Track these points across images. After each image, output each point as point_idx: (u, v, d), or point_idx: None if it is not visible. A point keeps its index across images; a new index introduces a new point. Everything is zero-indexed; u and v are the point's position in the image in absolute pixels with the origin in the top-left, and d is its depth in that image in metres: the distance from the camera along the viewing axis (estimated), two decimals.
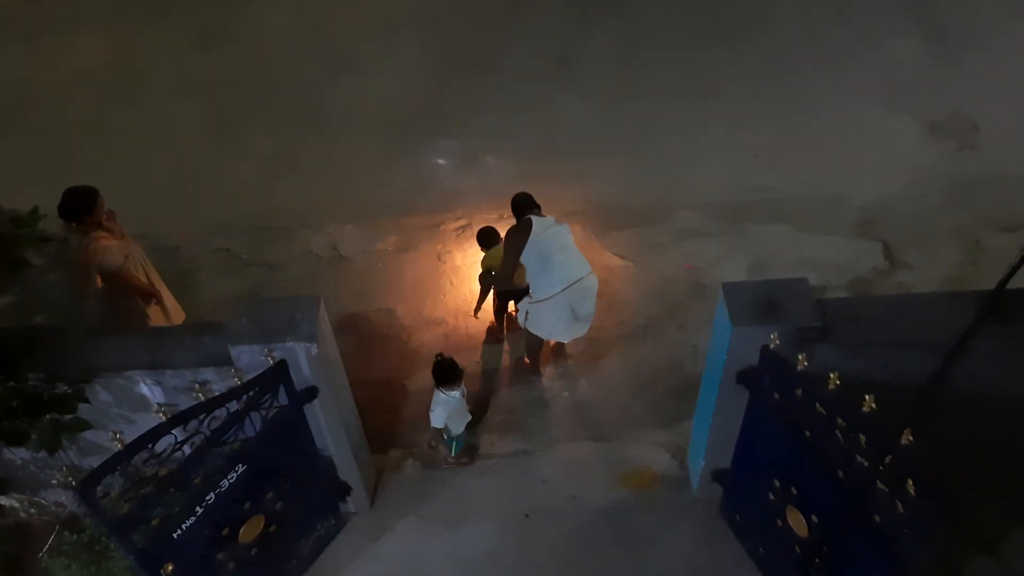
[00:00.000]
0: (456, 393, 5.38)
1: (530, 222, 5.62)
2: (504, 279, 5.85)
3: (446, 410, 5.41)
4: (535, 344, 6.19)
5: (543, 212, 5.88)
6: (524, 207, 5.83)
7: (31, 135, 8.57)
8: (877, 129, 7.90)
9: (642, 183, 7.70)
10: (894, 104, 8.09)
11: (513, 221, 5.88)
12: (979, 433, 4.15)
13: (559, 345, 6.47)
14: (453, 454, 5.73)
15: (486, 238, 6.31)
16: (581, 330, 5.90)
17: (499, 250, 5.98)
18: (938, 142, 7.81)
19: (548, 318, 5.75)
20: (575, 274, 5.61)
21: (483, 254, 6.34)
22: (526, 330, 6.00)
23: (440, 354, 5.45)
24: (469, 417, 5.70)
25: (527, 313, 5.88)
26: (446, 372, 5.31)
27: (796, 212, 7.31)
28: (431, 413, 5.44)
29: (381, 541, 5.46)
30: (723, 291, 4.43)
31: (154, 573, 4.03)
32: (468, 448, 5.86)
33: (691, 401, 5.54)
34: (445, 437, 5.58)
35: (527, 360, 6.39)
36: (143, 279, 5.83)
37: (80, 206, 5.45)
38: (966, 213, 7.16)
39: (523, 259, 5.64)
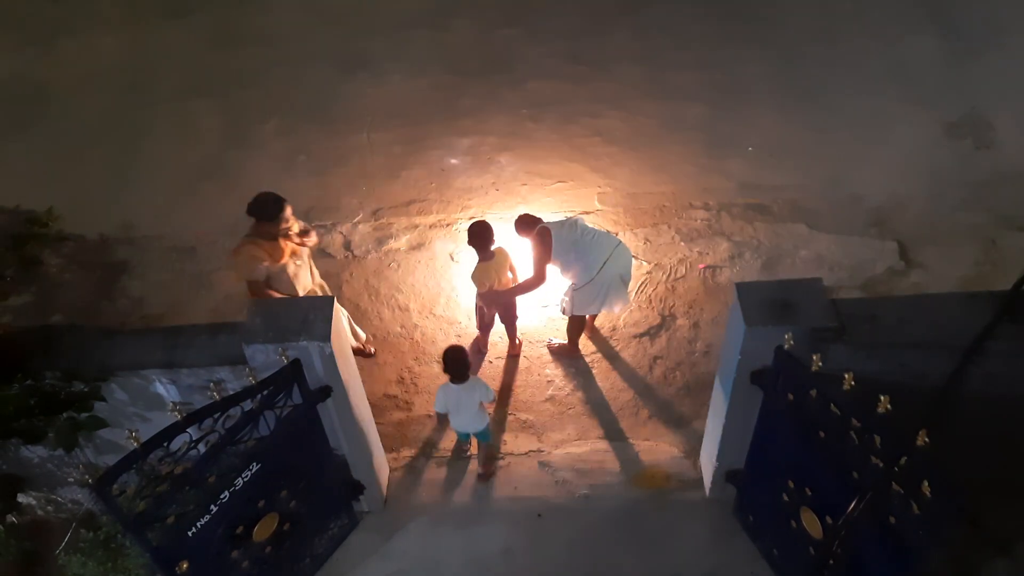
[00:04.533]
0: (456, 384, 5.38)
1: (547, 228, 5.75)
2: (538, 281, 5.85)
3: (444, 396, 5.44)
4: (577, 327, 6.31)
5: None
6: (532, 221, 5.91)
7: (47, 135, 8.63)
8: (892, 128, 7.84)
9: (656, 182, 7.69)
10: (910, 102, 8.03)
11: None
12: (995, 434, 4.13)
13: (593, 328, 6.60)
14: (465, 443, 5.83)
15: (481, 235, 5.77)
16: (627, 297, 6.05)
17: (493, 265, 5.89)
18: (954, 141, 7.75)
19: (599, 294, 5.85)
20: (607, 248, 5.77)
21: (474, 270, 5.95)
22: (569, 316, 6.12)
23: (452, 345, 5.47)
24: (480, 425, 5.56)
25: (572, 301, 5.95)
26: (445, 363, 5.34)
27: (811, 211, 7.28)
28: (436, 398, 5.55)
29: (394, 540, 5.48)
30: (737, 291, 4.41)
31: (169, 571, 4.06)
32: (488, 458, 5.81)
33: (704, 401, 5.53)
34: (455, 429, 5.71)
35: (567, 343, 6.43)
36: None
37: (260, 210, 5.35)
38: (982, 212, 7.10)
39: (554, 258, 5.77)
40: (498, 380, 6.34)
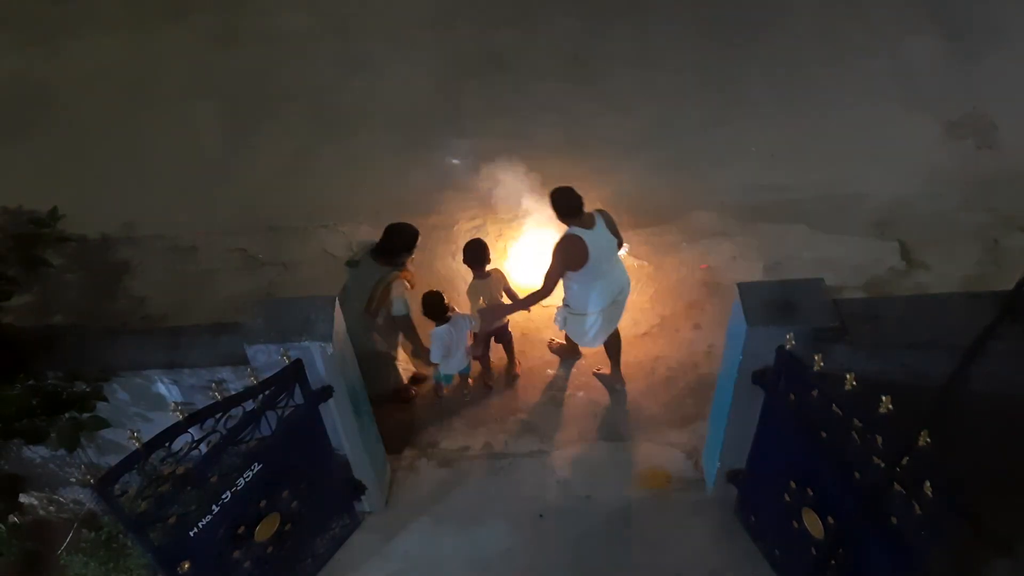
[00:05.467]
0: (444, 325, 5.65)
1: (585, 245, 5.19)
2: (544, 295, 5.46)
3: (441, 340, 5.66)
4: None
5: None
6: (570, 208, 5.28)
7: (50, 135, 8.63)
8: (894, 128, 7.83)
9: (658, 183, 7.67)
10: (911, 102, 8.03)
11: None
12: (996, 434, 4.13)
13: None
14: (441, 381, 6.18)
15: (478, 254, 5.71)
16: (606, 336, 5.83)
17: (486, 284, 5.77)
18: (956, 141, 7.74)
19: (589, 330, 5.64)
20: (616, 289, 5.54)
21: (469, 286, 5.91)
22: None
23: (428, 291, 5.67)
24: (464, 364, 5.98)
25: (564, 320, 5.73)
26: (428, 307, 5.61)
27: (812, 212, 7.27)
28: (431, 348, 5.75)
29: (396, 540, 5.48)
30: (739, 291, 4.41)
31: (171, 571, 4.06)
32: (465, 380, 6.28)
33: (706, 401, 5.52)
34: (440, 374, 6.06)
35: (567, 344, 6.36)
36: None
37: (411, 242, 5.57)
38: (984, 212, 7.10)
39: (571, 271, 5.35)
40: (500, 381, 6.35)
